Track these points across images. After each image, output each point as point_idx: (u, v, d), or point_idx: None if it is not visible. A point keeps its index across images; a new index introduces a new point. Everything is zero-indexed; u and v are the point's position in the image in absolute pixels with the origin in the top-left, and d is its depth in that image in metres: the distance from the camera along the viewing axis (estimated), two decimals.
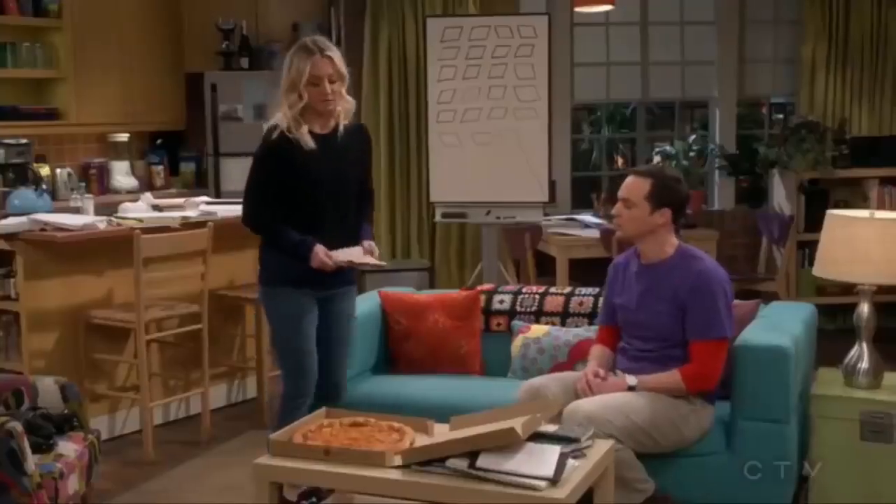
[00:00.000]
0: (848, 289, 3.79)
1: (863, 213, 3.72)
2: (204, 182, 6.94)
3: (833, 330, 6.29)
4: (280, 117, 3.57)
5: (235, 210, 5.16)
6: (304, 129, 3.56)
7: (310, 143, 3.55)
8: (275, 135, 3.56)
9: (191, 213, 5.02)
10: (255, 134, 6.62)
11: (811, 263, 3.79)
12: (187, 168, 7.16)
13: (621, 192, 3.56)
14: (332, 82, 3.54)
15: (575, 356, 3.99)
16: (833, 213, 3.69)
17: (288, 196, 3.58)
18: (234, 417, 5.19)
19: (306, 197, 3.59)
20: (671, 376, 3.43)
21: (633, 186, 3.53)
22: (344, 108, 3.64)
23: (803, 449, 3.63)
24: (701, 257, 3.56)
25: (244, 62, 6.97)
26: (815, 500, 3.54)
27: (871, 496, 3.45)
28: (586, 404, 3.35)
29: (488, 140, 6.03)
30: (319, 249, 3.54)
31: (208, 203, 5.36)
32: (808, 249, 6.37)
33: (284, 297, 3.63)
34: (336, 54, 3.57)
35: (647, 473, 3.35)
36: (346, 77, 3.60)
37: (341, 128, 3.64)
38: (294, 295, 3.62)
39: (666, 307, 3.48)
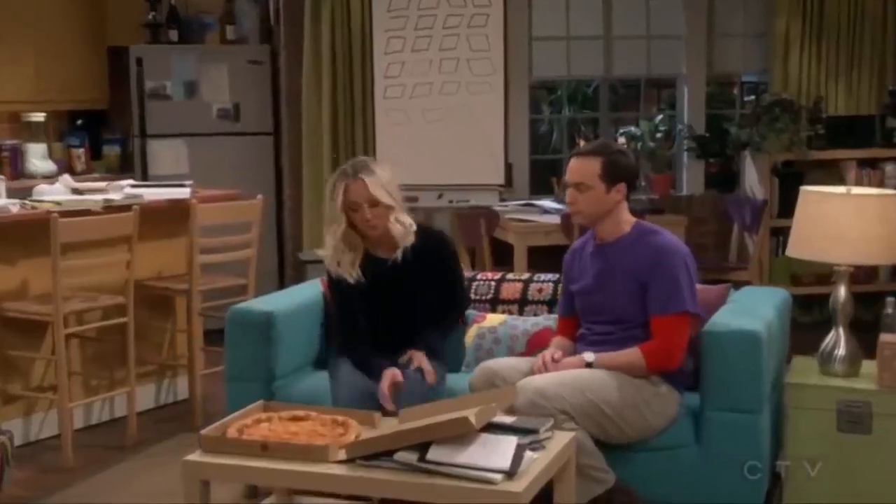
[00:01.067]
0: (824, 279, 3.84)
1: (839, 190, 3.77)
2: (129, 166, 6.87)
3: (809, 322, 6.38)
4: (329, 249, 3.79)
5: (164, 193, 5.16)
6: (349, 259, 3.76)
7: (350, 278, 3.76)
8: (333, 274, 3.82)
9: (114, 197, 4.97)
10: (185, 113, 6.73)
11: (785, 251, 3.82)
12: (111, 151, 7.09)
13: (572, 178, 3.62)
14: (373, 206, 3.66)
15: (534, 346, 3.99)
16: (807, 190, 3.72)
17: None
18: (164, 420, 5.15)
19: (367, 317, 3.83)
20: (631, 353, 3.47)
21: (584, 169, 3.58)
22: (395, 231, 3.73)
23: (777, 441, 3.68)
24: (659, 231, 3.61)
25: (173, 35, 6.92)
26: (789, 495, 3.58)
27: (848, 490, 3.50)
28: (538, 379, 3.39)
29: (439, 117, 6.04)
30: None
31: (134, 186, 5.31)
32: (781, 237, 6.42)
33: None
34: (371, 178, 3.66)
35: (606, 463, 3.37)
36: (387, 203, 3.68)
37: (398, 253, 3.76)
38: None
39: (624, 286, 3.52)
